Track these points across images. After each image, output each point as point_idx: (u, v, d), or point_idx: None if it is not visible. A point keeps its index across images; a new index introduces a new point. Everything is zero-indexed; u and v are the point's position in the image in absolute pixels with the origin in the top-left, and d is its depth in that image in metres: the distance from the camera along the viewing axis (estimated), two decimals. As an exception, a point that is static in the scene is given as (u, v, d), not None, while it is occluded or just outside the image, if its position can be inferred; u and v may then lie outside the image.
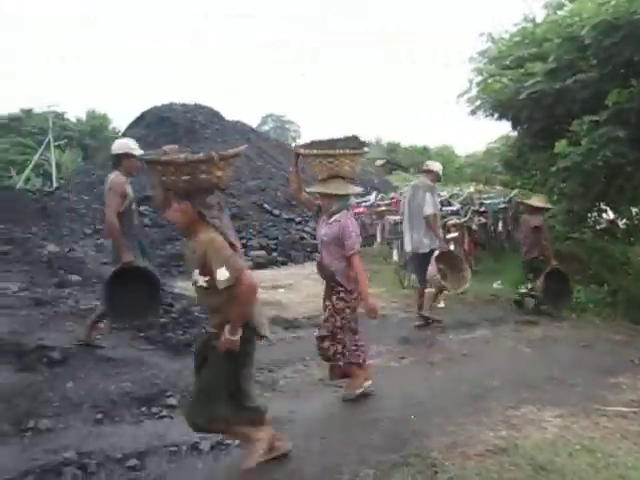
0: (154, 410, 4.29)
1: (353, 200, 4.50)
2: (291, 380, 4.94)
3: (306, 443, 3.62)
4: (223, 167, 2.99)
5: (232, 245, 3.02)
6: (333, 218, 4.09)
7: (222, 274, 2.88)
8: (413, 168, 37.28)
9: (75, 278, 7.15)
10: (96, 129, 55.22)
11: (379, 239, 11.66)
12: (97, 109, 57.39)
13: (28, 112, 51.92)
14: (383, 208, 12.19)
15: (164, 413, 4.26)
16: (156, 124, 16.56)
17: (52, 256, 7.78)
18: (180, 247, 10.62)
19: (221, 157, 2.95)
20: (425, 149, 44.14)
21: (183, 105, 17.96)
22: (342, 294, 4.11)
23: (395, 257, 9.50)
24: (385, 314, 7.57)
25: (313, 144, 4.26)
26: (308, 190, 4.32)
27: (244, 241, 12.50)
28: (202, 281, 2.98)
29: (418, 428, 3.78)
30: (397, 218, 10.64)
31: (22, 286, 6.49)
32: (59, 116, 49.02)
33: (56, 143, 41.54)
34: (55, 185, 30.07)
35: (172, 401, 4.41)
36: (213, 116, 18.05)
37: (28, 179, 39.52)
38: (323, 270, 4.19)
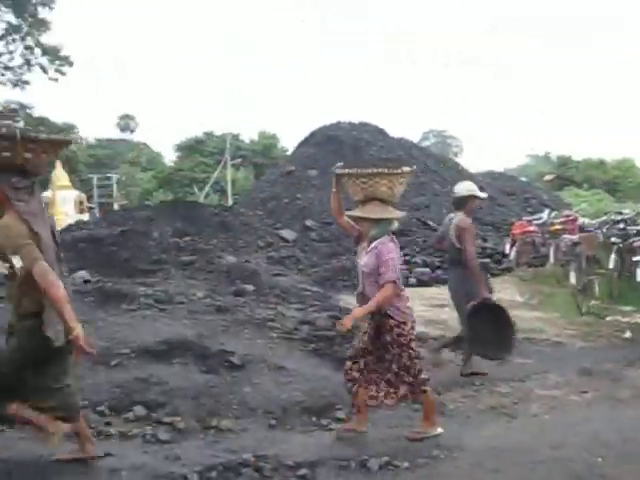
0: (323, 422, 4.39)
1: (396, 225, 3.96)
2: (460, 405, 4.76)
3: (477, 474, 3.43)
4: (34, 150, 2.92)
5: (35, 234, 2.90)
6: (372, 245, 3.75)
7: (17, 262, 2.83)
8: (587, 184, 34.33)
9: (250, 288, 7.64)
10: (267, 148, 59.19)
11: (552, 260, 10.85)
12: (268, 130, 61.52)
13: (209, 134, 57.31)
14: (558, 227, 11.34)
15: (333, 426, 4.34)
16: (324, 143, 17.21)
17: (230, 266, 8.41)
18: (345, 261, 10.87)
19: (27, 138, 2.90)
20: (601, 163, 40.38)
21: (350, 123, 18.47)
22: (397, 329, 3.73)
23: (573, 280, 8.77)
24: (561, 341, 7.02)
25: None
26: (346, 213, 3.98)
27: (407, 258, 12.41)
28: (2, 267, 2.93)
29: (607, 473, 3.38)
30: (574, 238, 9.83)
31: (206, 293, 7.08)
32: (235, 137, 53.39)
33: (232, 162, 45.20)
34: (231, 201, 32.69)
35: (341, 414, 4.48)
36: (378, 133, 18.31)
37: (207, 195, 43.55)
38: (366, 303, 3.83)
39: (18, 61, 36.69)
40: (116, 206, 40.10)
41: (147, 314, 5.92)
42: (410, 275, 11.58)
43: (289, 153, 25.11)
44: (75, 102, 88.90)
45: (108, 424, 3.93)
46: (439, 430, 3.95)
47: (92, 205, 44.51)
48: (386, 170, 3.75)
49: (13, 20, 35.64)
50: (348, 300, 8.85)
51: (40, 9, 36.25)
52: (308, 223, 13.11)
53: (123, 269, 7.93)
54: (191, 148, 55.45)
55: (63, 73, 37.86)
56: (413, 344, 3.82)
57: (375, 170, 3.74)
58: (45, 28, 36.78)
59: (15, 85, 37.15)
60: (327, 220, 13.51)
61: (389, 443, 3.93)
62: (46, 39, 36.94)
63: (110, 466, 3.33)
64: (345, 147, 17.05)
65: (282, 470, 3.49)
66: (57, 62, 37.57)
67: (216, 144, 53.14)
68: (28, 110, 38.56)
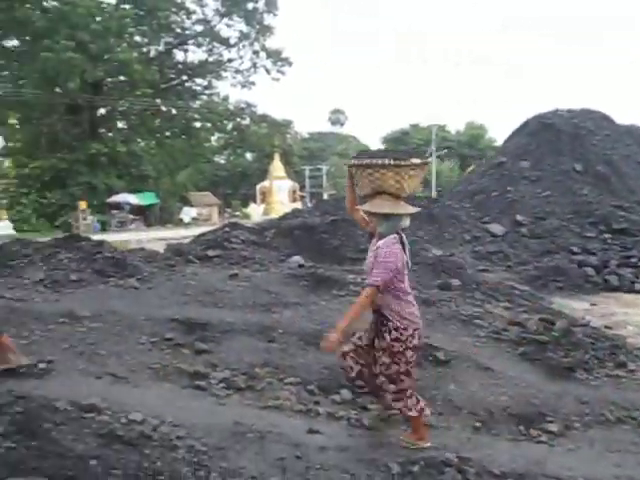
0: (533, 432, 4.10)
1: (407, 222, 3.47)
2: None
3: None
4: None
5: None
6: (377, 244, 3.43)
7: None
8: None
9: (455, 282, 7.45)
10: (473, 139, 57.45)
11: None
12: (475, 120, 59.64)
13: (415, 126, 57.47)
14: None
15: (543, 438, 4.03)
16: (538, 132, 16.06)
17: (435, 259, 8.30)
18: (559, 260, 10.03)
19: None
20: None
21: (569, 111, 16.96)
22: (394, 333, 3.42)
23: None
24: None
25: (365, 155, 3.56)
26: (356, 208, 3.64)
27: (635, 260, 10.99)
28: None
29: None
30: None
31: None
32: (441, 128, 52.76)
33: (437, 153, 44.77)
34: (435, 193, 32.40)
35: (553, 427, 4.14)
36: (603, 121, 16.50)
37: (410, 186, 43.72)
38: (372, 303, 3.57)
39: (246, 65, 40.91)
40: (325, 196, 42.48)
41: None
42: (637, 280, 10.27)
43: (497, 144, 23.95)
44: (292, 99, 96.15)
45: (317, 403, 4.13)
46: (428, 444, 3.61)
47: (304, 194, 47.81)
48: (392, 161, 3.35)
49: (244, 28, 39.81)
50: (563, 303, 8.17)
51: (265, 16, 39.91)
52: (519, 218, 12.37)
53: (333, 256, 8.31)
54: (397, 140, 56.28)
55: (283, 73, 41.24)
56: (409, 353, 3.46)
57: (380, 161, 3.36)
58: (269, 33, 40.39)
59: (243, 86, 41.52)
60: (540, 215, 12.63)
61: (610, 469, 3.53)
62: (270, 43, 40.55)
63: (319, 444, 3.49)
64: (563, 136, 15.73)
65: (486, 477, 3.33)
66: (279, 63, 40.98)
67: (422, 136, 53.18)
68: (253, 108, 42.70)
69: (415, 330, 3.48)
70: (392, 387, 3.51)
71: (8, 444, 2.54)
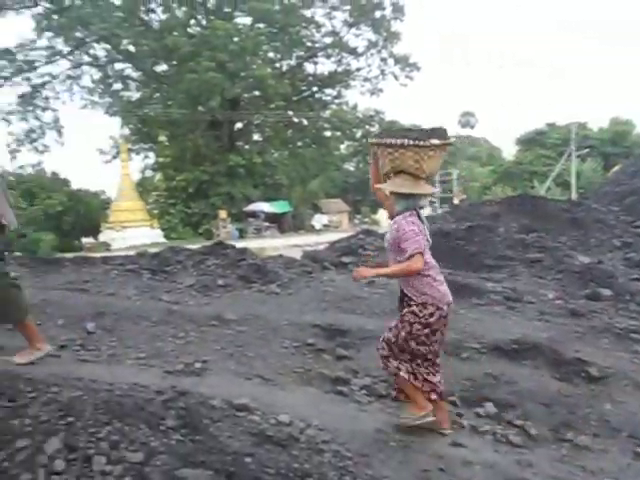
0: None
1: (426, 202, 3.03)
2: None
3: None
4: None
5: None
6: (393, 221, 3.52)
7: None
8: None
9: (606, 292, 6.88)
10: (619, 136, 52.83)
11: None
12: (621, 116, 54.96)
13: (552, 125, 54.11)
14: None
15: None
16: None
17: (582, 267, 7.73)
18: None
19: None
20: None
21: None
22: (414, 307, 3.44)
23: None
24: None
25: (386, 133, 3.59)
26: (376, 186, 3.70)
27: None
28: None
29: None
30: None
31: (556, 294, 6.68)
32: (581, 126, 49.15)
33: (577, 153, 41.80)
34: (575, 195, 30.28)
35: None
36: None
37: (549, 188, 41.24)
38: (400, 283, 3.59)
39: (375, 72, 41.28)
40: (456, 201, 41.41)
41: (496, 310, 5.89)
42: None
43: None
44: (420, 103, 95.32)
45: (459, 415, 4.03)
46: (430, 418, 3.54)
47: (434, 200, 47.01)
48: (411, 141, 3.35)
49: (372, 37, 40.25)
50: None
51: (392, 22, 40.00)
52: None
53: (469, 263, 8.05)
54: (532, 141, 53.48)
55: (412, 79, 41.03)
56: (416, 326, 3.43)
57: (400, 141, 3.36)
58: (397, 40, 40.42)
59: (372, 94, 41.91)
60: None
61: None
62: (397, 49, 40.58)
63: (463, 457, 3.40)
64: None
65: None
66: (407, 69, 40.83)
67: (559, 135, 50.01)
68: (381, 115, 42.92)
69: (436, 309, 3.44)
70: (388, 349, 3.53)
71: (177, 437, 2.78)
